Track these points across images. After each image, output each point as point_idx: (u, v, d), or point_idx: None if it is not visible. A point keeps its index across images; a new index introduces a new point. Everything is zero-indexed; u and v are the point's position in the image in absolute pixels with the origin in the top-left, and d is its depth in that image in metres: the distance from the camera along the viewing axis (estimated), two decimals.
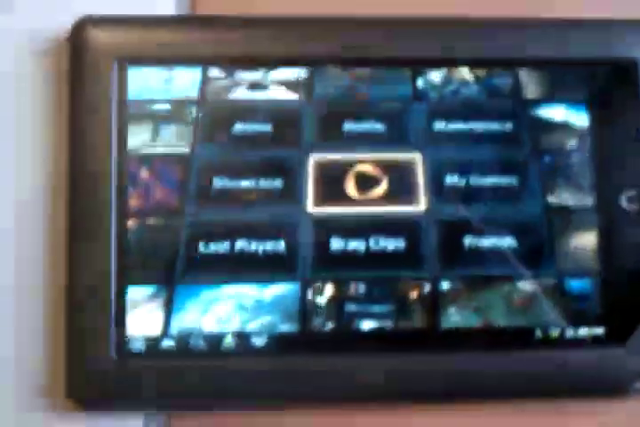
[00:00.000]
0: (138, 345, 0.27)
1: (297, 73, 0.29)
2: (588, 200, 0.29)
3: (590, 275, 0.28)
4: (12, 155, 0.29)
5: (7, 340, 0.28)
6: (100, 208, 0.27)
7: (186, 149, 0.28)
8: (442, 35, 0.29)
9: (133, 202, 0.28)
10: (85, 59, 0.28)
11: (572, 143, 0.29)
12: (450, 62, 0.29)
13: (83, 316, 0.27)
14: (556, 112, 0.29)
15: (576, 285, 0.28)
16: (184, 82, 0.29)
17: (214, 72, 0.29)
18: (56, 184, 0.29)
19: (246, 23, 0.29)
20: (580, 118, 0.29)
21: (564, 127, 0.29)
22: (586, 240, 0.28)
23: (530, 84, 0.29)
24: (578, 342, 0.28)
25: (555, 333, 0.28)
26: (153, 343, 0.27)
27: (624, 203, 0.28)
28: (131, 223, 0.28)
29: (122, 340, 0.27)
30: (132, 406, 0.27)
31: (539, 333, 0.28)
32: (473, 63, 0.29)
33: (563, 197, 0.29)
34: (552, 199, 0.29)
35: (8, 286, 0.28)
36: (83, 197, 0.28)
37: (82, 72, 0.28)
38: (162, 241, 0.28)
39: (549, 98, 0.29)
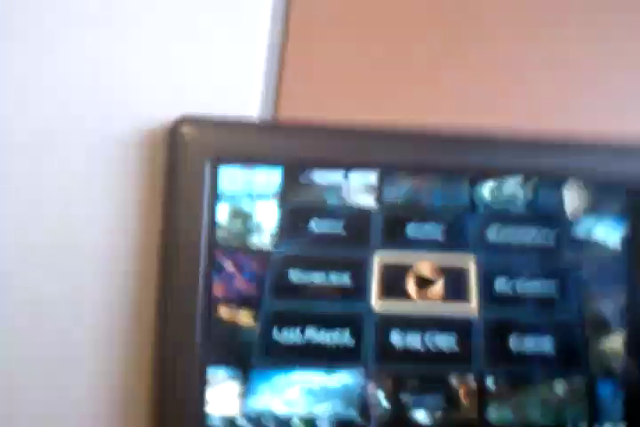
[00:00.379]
0: (217, 423, 0.30)
1: (368, 178, 0.32)
2: (619, 309, 0.32)
3: (617, 376, 0.32)
4: (108, 237, 0.32)
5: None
6: (189, 294, 0.31)
7: (267, 244, 0.32)
8: (498, 149, 0.33)
9: (217, 290, 0.31)
10: (181, 155, 0.32)
11: (607, 257, 0.33)
12: (503, 174, 0.33)
13: (169, 394, 0.30)
14: (595, 224, 0.33)
15: (604, 385, 0.32)
16: (268, 181, 0.32)
17: (295, 174, 0.32)
18: (147, 269, 0.32)
19: (324, 130, 0.33)
20: (617, 232, 0.33)
21: (601, 243, 0.33)
22: (614, 345, 0.32)
23: (573, 200, 0.33)
24: None
25: None
26: (230, 422, 0.30)
27: None
28: (216, 310, 0.31)
29: (203, 418, 0.30)
30: None
31: None
32: (524, 176, 0.33)
33: (597, 305, 0.32)
34: (587, 307, 0.32)
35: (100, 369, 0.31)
36: (174, 283, 0.31)
37: (176, 166, 0.32)
38: (241, 327, 0.31)
39: (590, 215, 0.33)
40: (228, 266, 0.32)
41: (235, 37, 0.34)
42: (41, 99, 0.32)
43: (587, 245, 0.33)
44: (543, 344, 0.32)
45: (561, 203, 0.33)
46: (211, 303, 0.31)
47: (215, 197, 0.32)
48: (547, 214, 0.33)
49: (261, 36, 0.34)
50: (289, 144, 0.32)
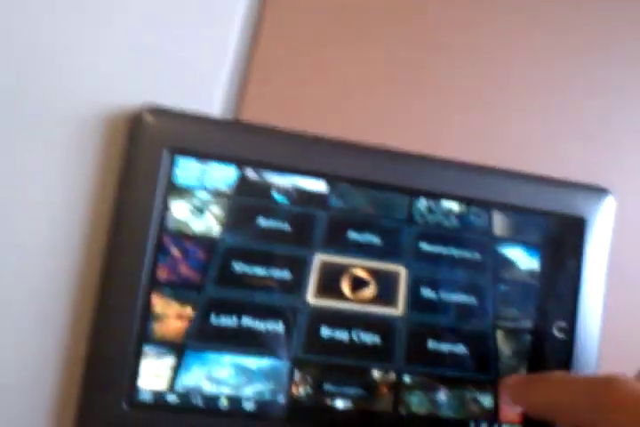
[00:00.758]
0: (146, 397, 0.32)
1: (317, 184, 0.35)
2: (528, 324, 0.36)
3: None
4: (57, 217, 0.33)
5: (28, 375, 0.32)
6: (133, 274, 0.32)
7: (214, 235, 0.34)
8: (438, 172, 0.36)
9: (161, 273, 0.33)
10: (140, 142, 0.33)
11: (522, 277, 0.36)
12: (440, 196, 0.36)
13: (102, 364, 0.31)
14: (514, 250, 0.37)
15: None
16: (222, 176, 0.34)
17: (249, 172, 0.35)
18: (93, 246, 0.33)
19: (281, 135, 0.35)
20: (532, 258, 0.37)
21: (519, 264, 0.36)
22: (521, 356, 0.35)
23: (499, 224, 0.36)
24: None
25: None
26: (159, 397, 0.32)
27: (555, 331, 0.36)
28: (156, 291, 0.33)
29: (133, 391, 0.32)
30: None
31: (472, 425, 0.34)
32: (458, 199, 0.36)
33: (508, 319, 0.36)
34: (500, 320, 0.36)
35: (34, 327, 0.32)
36: (119, 261, 0.32)
37: (134, 153, 0.33)
38: (179, 310, 0.33)
39: (512, 238, 0.36)
40: (175, 252, 0.33)
41: (204, 33, 0.35)
42: (2, 69, 0.33)
43: (506, 266, 0.36)
44: (458, 348, 0.35)
45: (489, 225, 0.36)
46: (152, 286, 0.33)
47: (169, 185, 0.33)
48: (475, 234, 0.36)
49: (231, 34, 0.36)
50: (246, 144, 0.34)
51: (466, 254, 0.36)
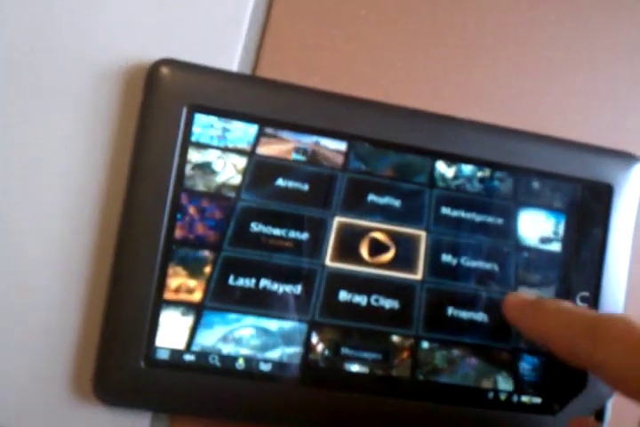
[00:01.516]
0: (164, 355, 0.31)
1: (337, 144, 0.34)
2: (550, 293, 0.35)
3: (540, 354, 0.34)
4: (75, 170, 0.33)
5: (46, 333, 0.32)
6: (151, 232, 0.32)
7: (232, 194, 0.33)
8: (462, 134, 0.35)
9: (179, 232, 0.32)
10: (157, 96, 0.32)
11: (546, 245, 0.35)
12: (463, 159, 0.35)
13: (120, 322, 0.31)
14: (538, 216, 0.36)
15: (527, 360, 0.34)
16: (241, 134, 0.33)
17: (269, 131, 0.34)
18: (110, 201, 0.33)
19: (303, 93, 0.34)
20: (557, 225, 0.36)
21: (543, 230, 0.35)
22: None
23: (522, 189, 0.35)
24: (519, 407, 0.34)
25: (503, 396, 0.34)
26: (177, 356, 0.32)
27: (577, 301, 0.35)
28: (174, 249, 0.32)
29: (150, 349, 0.31)
30: (148, 407, 0.31)
31: (491, 395, 0.34)
32: (481, 163, 0.35)
33: (530, 286, 0.35)
34: (521, 288, 0.35)
35: (53, 287, 0.32)
36: (137, 219, 0.32)
37: (152, 108, 0.32)
38: (197, 269, 0.32)
39: (536, 203, 0.35)
40: (192, 210, 0.33)
41: None
42: (20, 27, 0.32)
43: (530, 229, 0.35)
44: (478, 316, 0.34)
45: (512, 190, 0.35)
46: (170, 245, 0.32)
47: (187, 142, 0.33)
48: (498, 199, 0.35)
49: None
50: (266, 101, 0.33)
51: (488, 220, 0.35)
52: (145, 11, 0.34)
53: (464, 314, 0.34)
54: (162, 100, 0.32)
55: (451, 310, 0.34)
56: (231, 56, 0.35)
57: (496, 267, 0.35)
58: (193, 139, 0.33)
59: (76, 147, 0.33)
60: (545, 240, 0.35)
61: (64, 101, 0.33)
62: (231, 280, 0.32)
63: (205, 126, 0.33)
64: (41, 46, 0.33)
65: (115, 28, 0.33)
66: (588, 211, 0.36)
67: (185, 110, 0.32)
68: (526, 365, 0.34)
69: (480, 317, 0.34)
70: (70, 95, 0.33)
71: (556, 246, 0.36)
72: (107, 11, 0.33)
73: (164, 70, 0.32)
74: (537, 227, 0.35)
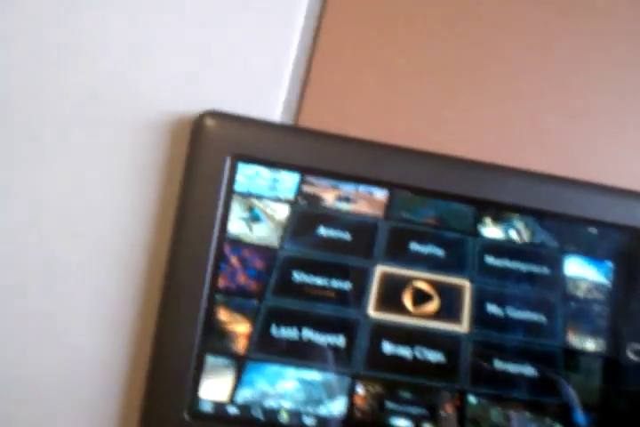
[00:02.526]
0: (207, 408, 0.31)
1: (379, 192, 0.34)
2: (600, 345, 0.34)
3: (591, 410, 0.33)
4: (122, 219, 0.33)
5: (91, 387, 0.31)
6: (195, 282, 0.32)
7: (274, 243, 0.33)
8: (505, 182, 0.35)
9: (222, 282, 0.32)
10: (202, 147, 0.33)
11: (594, 295, 0.34)
12: (507, 207, 0.34)
13: (164, 374, 0.30)
14: (586, 265, 0.35)
15: (579, 416, 0.33)
16: (284, 183, 0.33)
17: (311, 180, 0.34)
18: (156, 251, 0.33)
19: (344, 142, 0.34)
20: (605, 274, 0.35)
21: (590, 280, 0.35)
22: (593, 379, 0.34)
23: (568, 237, 0.35)
24: None
25: None
26: (220, 408, 0.31)
27: (629, 353, 0.34)
28: (218, 300, 0.32)
29: (194, 401, 0.31)
30: None
31: None
32: (526, 211, 0.35)
33: (579, 339, 0.34)
34: (570, 339, 0.34)
35: (96, 341, 0.32)
36: (181, 269, 0.32)
37: (197, 158, 0.33)
38: (240, 319, 0.32)
39: (583, 251, 0.35)
40: (234, 260, 0.32)
41: (266, 40, 0.35)
42: (71, 82, 0.33)
43: (576, 282, 0.34)
44: (525, 369, 0.33)
45: (558, 239, 0.35)
46: (214, 295, 0.32)
47: (231, 191, 0.33)
48: (543, 248, 0.35)
49: (292, 41, 0.35)
50: (308, 150, 0.33)
51: (533, 269, 0.34)
52: (189, 64, 0.34)
53: (511, 367, 0.33)
54: (207, 150, 0.32)
55: (497, 363, 0.33)
56: (273, 107, 0.35)
57: (543, 318, 0.34)
58: (236, 188, 0.33)
59: (124, 197, 0.33)
60: (593, 289, 0.35)
61: (113, 153, 0.33)
62: (274, 330, 0.32)
63: (249, 176, 0.33)
64: (91, 101, 0.33)
65: (160, 82, 0.34)
66: (637, 259, 0.35)
67: (229, 160, 0.33)
68: (578, 421, 0.33)
69: (528, 370, 0.33)
70: (119, 147, 0.33)
71: (604, 296, 0.35)
72: (152, 65, 0.34)
73: (209, 122, 0.32)
74: (584, 276, 0.35)
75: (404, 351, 0.32)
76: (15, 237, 0.32)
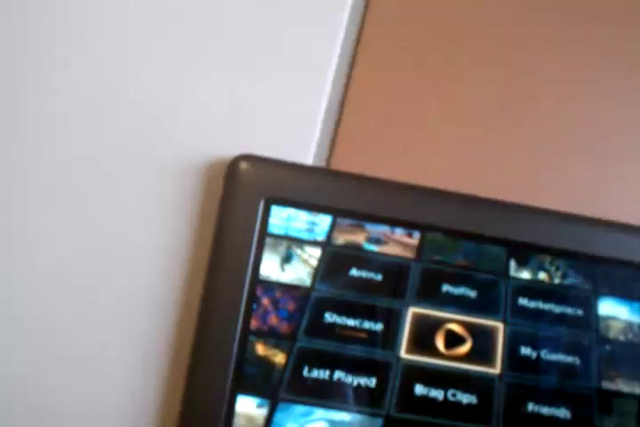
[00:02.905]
0: None
1: (411, 234, 0.34)
2: (636, 388, 0.33)
3: None
4: (157, 262, 0.34)
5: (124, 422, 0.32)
6: (228, 323, 0.32)
7: (306, 285, 0.33)
8: (537, 223, 0.35)
9: (254, 323, 0.32)
10: (236, 192, 0.33)
11: (629, 336, 0.34)
12: (539, 248, 0.35)
13: (197, 412, 0.31)
14: (619, 306, 0.34)
15: None
16: (316, 225, 0.34)
17: (343, 221, 0.34)
18: (190, 292, 0.33)
19: (375, 184, 0.35)
20: (638, 315, 0.34)
21: (625, 321, 0.34)
22: (629, 422, 0.33)
23: (601, 278, 0.35)
24: None
25: None
26: None
27: None
28: (250, 340, 0.32)
29: None
30: None
31: None
32: (558, 252, 0.35)
33: (614, 381, 0.33)
34: (605, 382, 0.33)
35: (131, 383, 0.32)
36: (214, 311, 0.32)
37: (231, 201, 0.33)
38: (272, 360, 0.32)
39: (616, 293, 0.35)
40: (266, 302, 0.33)
41: (298, 84, 0.36)
42: (109, 125, 0.34)
43: (610, 323, 0.34)
44: (560, 412, 0.33)
45: (591, 280, 0.35)
46: (246, 336, 0.32)
47: (264, 233, 0.33)
48: (577, 289, 0.34)
49: (324, 85, 0.36)
50: (339, 193, 0.34)
51: (567, 311, 0.34)
52: (223, 109, 0.35)
53: (545, 410, 0.33)
54: (240, 193, 0.33)
55: (531, 406, 0.33)
56: (306, 150, 0.36)
57: (577, 359, 0.34)
58: (270, 230, 0.33)
59: (159, 239, 0.34)
60: (627, 330, 0.34)
61: (148, 196, 0.34)
62: (305, 371, 0.32)
63: (282, 218, 0.34)
64: (127, 144, 0.34)
65: (196, 126, 0.35)
66: None
67: (262, 203, 0.33)
68: None
69: (562, 413, 0.33)
70: (154, 189, 0.34)
71: (639, 337, 0.34)
72: (188, 110, 0.35)
73: (243, 165, 0.33)
74: (618, 318, 0.34)
75: (436, 393, 0.32)
76: (51, 280, 0.33)
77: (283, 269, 0.33)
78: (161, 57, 0.35)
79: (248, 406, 0.32)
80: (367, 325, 0.33)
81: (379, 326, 0.33)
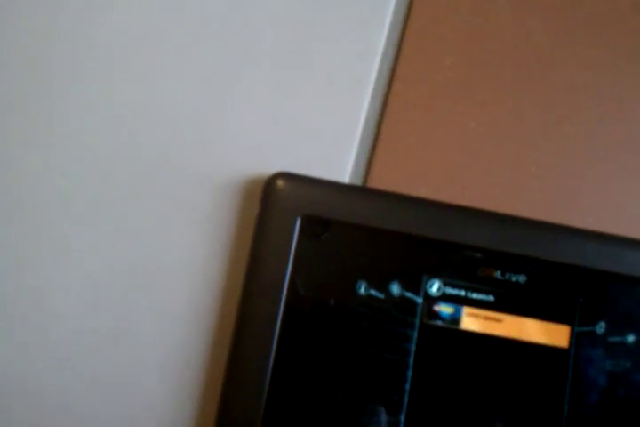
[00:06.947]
0: None
1: None
2: None
3: None
4: (192, 280, 0.34)
5: None
6: (263, 343, 0.32)
7: None
8: (579, 244, 0.34)
9: None
10: (273, 209, 0.33)
11: None
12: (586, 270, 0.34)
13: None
14: None
15: None
16: None
17: None
18: (225, 309, 0.33)
19: (413, 203, 0.34)
20: None
21: None
22: None
23: None
24: None
25: None
26: None
27: None
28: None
29: None
30: None
31: None
32: (608, 275, 0.34)
33: None
34: None
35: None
36: (250, 328, 0.32)
37: (269, 221, 0.33)
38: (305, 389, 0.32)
39: None
40: None
41: (336, 102, 0.36)
42: (146, 141, 0.35)
43: None
44: None
45: None
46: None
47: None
48: None
49: (362, 104, 0.36)
50: (377, 211, 0.34)
51: None
52: (261, 127, 0.35)
53: None
54: (277, 210, 0.33)
55: None
56: (343, 168, 0.36)
57: None
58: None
59: (195, 256, 0.34)
60: None
61: (185, 212, 0.34)
62: None
63: None
64: (164, 160, 0.35)
65: (233, 143, 0.35)
66: None
67: (299, 221, 0.33)
68: None
69: None
70: (191, 206, 0.34)
71: None
72: (226, 127, 0.35)
73: (280, 183, 0.33)
74: None
75: None
76: (88, 296, 0.33)
77: None
78: (202, 73, 0.35)
79: None
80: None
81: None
